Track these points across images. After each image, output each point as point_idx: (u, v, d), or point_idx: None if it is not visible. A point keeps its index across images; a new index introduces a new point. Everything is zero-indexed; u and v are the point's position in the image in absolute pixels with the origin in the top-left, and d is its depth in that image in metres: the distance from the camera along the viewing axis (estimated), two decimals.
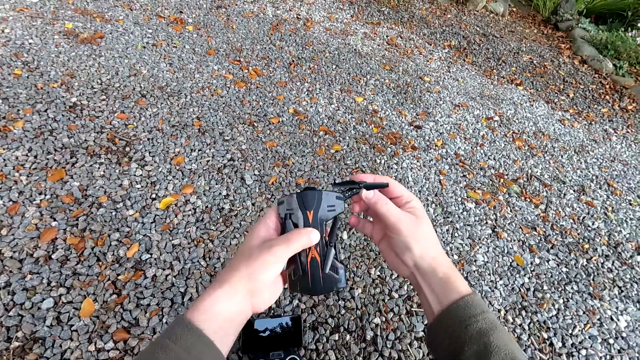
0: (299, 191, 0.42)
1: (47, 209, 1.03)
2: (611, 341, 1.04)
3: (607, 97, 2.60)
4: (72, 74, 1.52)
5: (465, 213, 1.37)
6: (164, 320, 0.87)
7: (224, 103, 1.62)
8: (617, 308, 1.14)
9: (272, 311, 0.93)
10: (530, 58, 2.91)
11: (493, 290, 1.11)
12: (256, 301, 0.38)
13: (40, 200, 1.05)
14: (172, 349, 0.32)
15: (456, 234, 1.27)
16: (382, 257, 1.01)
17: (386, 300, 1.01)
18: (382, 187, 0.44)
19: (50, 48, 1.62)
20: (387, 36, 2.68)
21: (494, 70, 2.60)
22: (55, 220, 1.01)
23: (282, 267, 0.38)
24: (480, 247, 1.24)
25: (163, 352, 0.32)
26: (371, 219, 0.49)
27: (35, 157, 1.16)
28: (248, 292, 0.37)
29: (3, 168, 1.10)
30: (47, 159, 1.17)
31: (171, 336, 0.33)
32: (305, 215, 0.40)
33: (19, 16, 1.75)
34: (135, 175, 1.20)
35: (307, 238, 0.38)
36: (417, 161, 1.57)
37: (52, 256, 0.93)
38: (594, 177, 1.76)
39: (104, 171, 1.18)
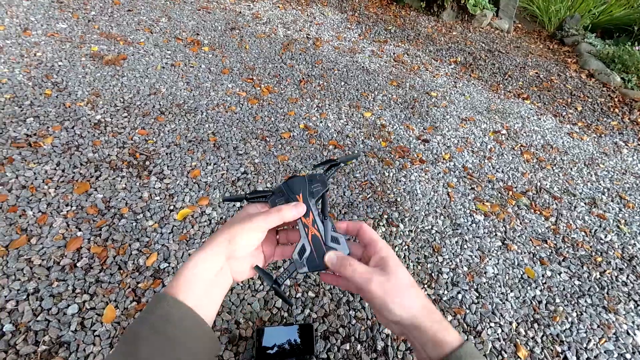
0: (283, 182, 0.45)
1: (72, 220, 1.09)
2: (628, 356, 1.02)
3: (617, 110, 2.60)
4: (97, 93, 1.62)
5: (474, 225, 1.38)
6: None
7: (237, 119, 1.69)
8: (633, 322, 1.12)
9: (284, 320, 0.96)
10: (536, 72, 2.94)
11: (504, 303, 1.11)
12: (234, 269, 0.39)
13: (67, 211, 1.11)
14: (147, 320, 0.33)
15: (465, 246, 1.28)
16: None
17: None
18: (355, 157, 0.49)
19: (78, 69, 1.74)
20: (393, 53, 2.77)
21: (501, 85, 2.64)
22: (80, 230, 1.07)
23: (261, 237, 0.40)
24: (490, 259, 1.24)
25: (139, 324, 0.33)
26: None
27: (63, 170, 1.24)
28: (228, 256, 0.38)
29: (33, 181, 1.17)
30: (74, 172, 1.24)
31: (148, 309, 0.34)
32: (295, 199, 0.43)
33: (49, 40, 1.89)
34: (154, 187, 1.26)
35: (279, 215, 0.40)
36: (425, 174, 1.60)
37: (77, 264, 0.98)
38: (605, 190, 1.75)
39: (125, 184, 1.25)
